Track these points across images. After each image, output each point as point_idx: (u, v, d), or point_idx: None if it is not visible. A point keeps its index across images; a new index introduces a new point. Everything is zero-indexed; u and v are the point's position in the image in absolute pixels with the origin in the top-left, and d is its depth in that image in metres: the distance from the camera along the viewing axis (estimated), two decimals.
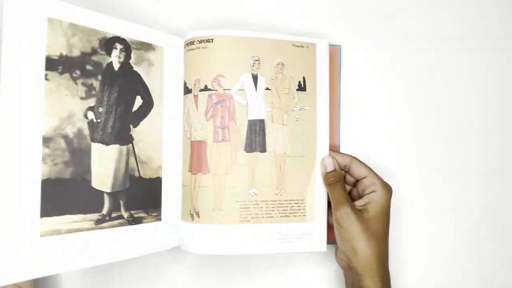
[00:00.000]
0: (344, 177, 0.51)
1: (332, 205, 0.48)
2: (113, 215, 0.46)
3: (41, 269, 0.40)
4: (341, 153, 0.51)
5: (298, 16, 0.57)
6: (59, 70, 0.42)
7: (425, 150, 0.57)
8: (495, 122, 0.58)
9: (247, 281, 0.55)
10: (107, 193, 0.45)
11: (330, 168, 0.49)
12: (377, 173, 0.55)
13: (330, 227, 0.51)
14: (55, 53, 0.42)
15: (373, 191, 0.48)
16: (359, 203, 0.48)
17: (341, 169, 0.50)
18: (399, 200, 0.56)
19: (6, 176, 0.38)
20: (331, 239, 0.51)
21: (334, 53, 0.56)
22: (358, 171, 0.49)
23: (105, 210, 0.45)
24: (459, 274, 0.57)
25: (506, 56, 0.58)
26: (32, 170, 0.40)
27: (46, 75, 0.41)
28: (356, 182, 0.50)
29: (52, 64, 0.41)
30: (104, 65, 0.45)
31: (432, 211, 0.57)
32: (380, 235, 0.47)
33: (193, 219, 0.48)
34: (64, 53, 0.42)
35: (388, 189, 0.48)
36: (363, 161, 0.50)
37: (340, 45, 0.56)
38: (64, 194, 0.42)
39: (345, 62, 0.57)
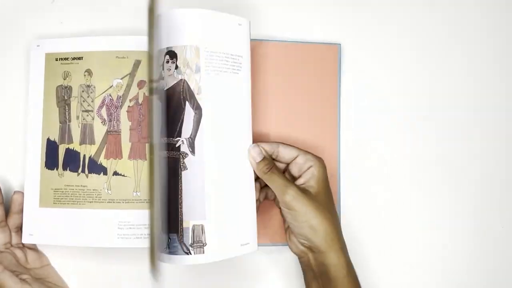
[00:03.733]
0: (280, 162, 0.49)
1: (276, 193, 0.46)
2: None
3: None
4: (266, 141, 0.49)
5: (296, 14, 0.57)
6: None
7: (426, 149, 0.57)
8: (498, 121, 0.58)
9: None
10: None
11: (259, 158, 0.47)
12: (377, 173, 0.56)
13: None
14: None
15: (310, 166, 0.47)
16: (299, 182, 0.47)
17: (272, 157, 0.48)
18: (394, 199, 0.56)
19: None
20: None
21: (334, 52, 0.55)
22: (288, 153, 0.48)
23: None
24: (458, 274, 0.56)
25: (510, 56, 0.58)
26: None
27: None
28: (287, 166, 0.49)
29: None
30: None
31: (430, 211, 0.56)
32: (331, 208, 0.47)
33: None
34: None
35: (322, 161, 0.48)
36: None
37: (340, 44, 0.56)
38: None
39: (345, 61, 0.56)
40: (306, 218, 0.45)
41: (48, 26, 0.56)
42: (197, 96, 0.44)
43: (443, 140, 0.57)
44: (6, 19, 0.56)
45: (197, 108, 0.44)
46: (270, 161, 0.47)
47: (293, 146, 0.48)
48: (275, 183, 0.46)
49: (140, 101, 0.51)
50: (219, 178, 0.44)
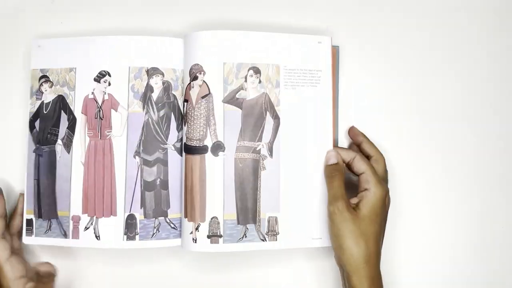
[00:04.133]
0: (352, 171, 0.50)
1: (328, 198, 0.48)
2: None
3: None
4: (346, 149, 0.52)
5: (295, 16, 0.57)
6: None
7: (424, 150, 0.57)
8: (496, 122, 0.58)
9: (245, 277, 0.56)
10: None
11: (332, 161, 0.49)
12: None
13: None
14: None
15: (366, 189, 0.47)
16: (353, 200, 0.48)
17: (347, 164, 0.50)
18: (395, 199, 0.54)
19: None
20: None
21: (333, 54, 0.55)
22: (358, 166, 0.49)
23: None
24: (458, 275, 0.56)
25: (507, 56, 0.58)
26: None
27: None
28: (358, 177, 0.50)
29: None
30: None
31: (430, 211, 0.57)
32: (371, 236, 0.46)
33: None
34: None
35: (381, 189, 0.47)
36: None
37: (339, 46, 0.57)
38: None
39: (344, 63, 0.57)
40: (339, 235, 0.46)
41: (48, 26, 0.56)
42: (276, 108, 0.51)
43: (442, 140, 0.57)
44: (6, 19, 0.56)
45: (276, 118, 0.51)
46: (340, 168, 0.49)
47: (366, 163, 0.49)
48: (332, 189, 0.48)
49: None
50: (293, 178, 0.51)
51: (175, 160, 0.51)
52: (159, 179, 0.51)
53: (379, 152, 0.52)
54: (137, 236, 0.50)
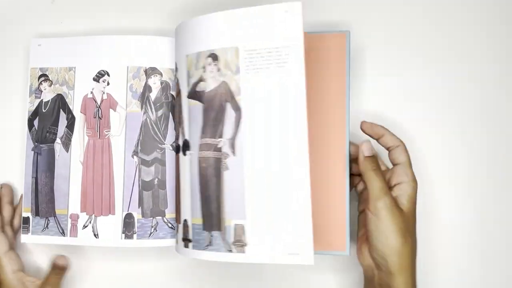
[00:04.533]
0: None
1: (371, 194, 0.43)
2: None
3: None
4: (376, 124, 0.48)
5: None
6: None
7: (439, 150, 0.56)
8: (496, 122, 0.56)
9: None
10: None
11: (368, 153, 0.45)
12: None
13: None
14: None
15: (403, 182, 0.45)
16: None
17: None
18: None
19: None
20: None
21: (342, 40, 0.49)
22: (395, 156, 0.46)
23: None
24: (458, 275, 0.55)
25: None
26: None
27: None
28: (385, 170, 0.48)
29: None
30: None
31: (430, 211, 0.55)
32: (413, 232, 0.45)
33: None
34: None
35: (416, 182, 0.45)
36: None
37: (349, 31, 0.50)
38: None
39: (355, 51, 0.54)
40: (388, 233, 0.42)
41: (48, 26, 0.56)
42: (236, 98, 0.45)
43: (456, 140, 0.56)
44: (6, 18, 0.57)
45: (237, 109, 0.45)
46: (377, 160, 0.45)
47: (406, 154, 0.46)
48: (376, 183, 0.43)
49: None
50: (261, 180, 0.43)
51: (172, 160, 0.51)
52: (157, 179, 0.51)
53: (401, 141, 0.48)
54: (135, 235, 0.50)
